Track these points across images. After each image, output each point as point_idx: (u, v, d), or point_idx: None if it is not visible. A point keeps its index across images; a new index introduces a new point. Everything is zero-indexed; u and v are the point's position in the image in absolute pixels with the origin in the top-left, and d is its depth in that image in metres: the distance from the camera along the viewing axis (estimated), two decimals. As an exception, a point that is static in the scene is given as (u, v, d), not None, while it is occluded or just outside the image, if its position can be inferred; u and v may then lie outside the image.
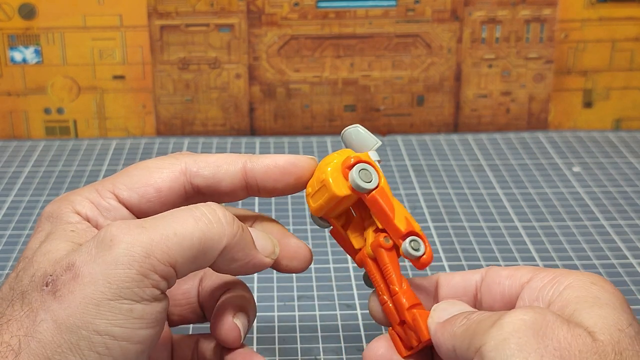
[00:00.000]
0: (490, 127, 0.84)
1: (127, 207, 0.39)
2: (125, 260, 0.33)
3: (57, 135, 0.82)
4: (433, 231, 0.64)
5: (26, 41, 0.79)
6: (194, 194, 0.41)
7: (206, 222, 0.35)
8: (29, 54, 0.80)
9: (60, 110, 0.82)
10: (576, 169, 0.75)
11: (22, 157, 0.78)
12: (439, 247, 0.61)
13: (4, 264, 0.59)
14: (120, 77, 0.81)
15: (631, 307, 0.53)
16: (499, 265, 0.41)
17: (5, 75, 0.80)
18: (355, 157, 0.39)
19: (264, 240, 0.39)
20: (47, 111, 0.82)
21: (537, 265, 0.59)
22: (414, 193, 0.70)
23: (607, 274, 0.58)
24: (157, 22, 0.79)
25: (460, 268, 0.58)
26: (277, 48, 0.81)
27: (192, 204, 0.39)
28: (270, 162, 0.40)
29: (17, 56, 0.80)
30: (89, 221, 0.38)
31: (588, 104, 0.84)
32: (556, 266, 0.59)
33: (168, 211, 0.36)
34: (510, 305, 0.38)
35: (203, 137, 0.82)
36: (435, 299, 0.40)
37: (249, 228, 0.38)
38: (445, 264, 0.59)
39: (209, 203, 0.37)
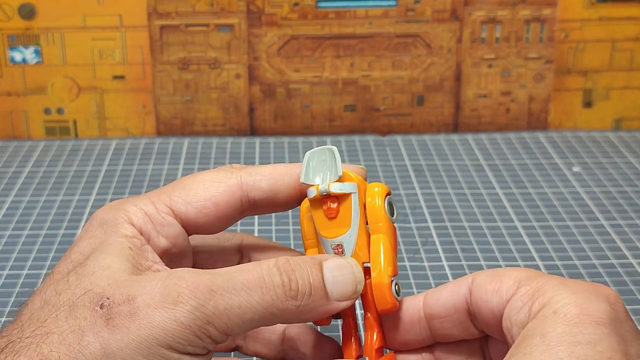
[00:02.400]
0: (490, 127, 0.84)
1: (182, 220, 0.39)
2: (186, 321, 0.33)
3: (57, 135, 0.82)
4: (433, 231, 0.64)
5: (26, 41, 0.79)
6: (249, 207, 0.40)
7: (272, 297, 0.35)
8: (29, 54, 0.80)
9: (60, 111, 0.82)
10: (576, 169, 0.75)
11: (22, 157, 0.78)
12: (439, 247, 0.61)
13: (3, 264, 0.59)
14: (120, 77, 0.81)
15: (631, 307, 0.53)
16: (482, 271, 0.38)
17: (5, 75, 0.80)
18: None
19: (343, 285, 0.37)
20: (47, 111, 0.82)
21: (537, 265, 0.59)
22: (413, 193, 0.70)
23: (607, 274, 0.58)
24: (157, 22, 0.79)
25: (460, 268, 0.58)
26: (277, 48, 0.81)
27: (246, 215, 0.40)
28: None
29: (17, 56, 0.80)
30: (142, 234, 0.38)
31: (588, 104, 0.84)
32: (556, 266, 0.59)
33: (239, 270, 0.36)
34: (500, 326, 0.36)
35: (203, 137, 0.82)
36: (425, 320, 0.39)
37: (325, 268, 0.37)
38: (445, 264, 0.59)
39: (283, 259, 0.36)
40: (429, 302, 0.38)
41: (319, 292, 0.36)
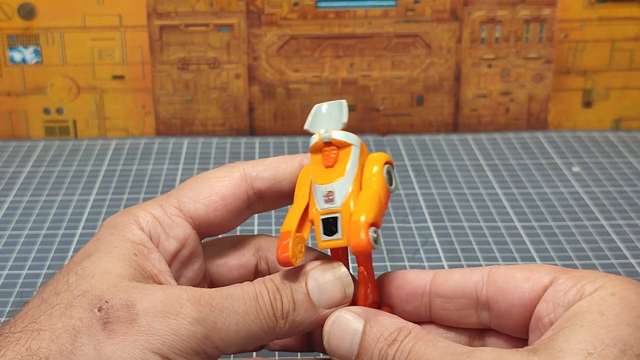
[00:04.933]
0: (490, 127, 0.84)
1: (193, 219, 0.39)
2: (185, 333, 0.34)
3: (56, 135, 0.82)
4: (433, 231, 0.64)
5: (26, 41, 0.79)
6: (256, 199, 0.41)
7: (265, 316, 0.35)
8: (29, 54, 0.80)
9: (59, 110, 0.82)
10: (576, 169, 0.75)
11: (21, 157, 0.78)
12: (438, 247, 0.61)
13: (3, 264, 0.59)
14: (120, 77, 0.81)
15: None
16: (500, 265, 0.39)
17: (4, 75, 0.80)
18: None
19: (331, 293, 0.37)
20: (46, 111, 0.82)
21: (535, 262, 0.59)
22: (413, 193, 0.70)
23: (606, 274, 0.58)
24: (156, 22, 0.79)
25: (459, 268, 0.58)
26: (276, 48, 0.81)
27: (254, 210, 0.40)
28: None
29: (17, 56, 0.80)
30: (151, 238, 0.38)
31: (588, 104, 0.84)
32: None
33: (236, 289, 0.36)
34: (530, 310, 0.36)
35: (203, 137, 0.82)
36: (428, 295, 0.39)
37: (310, 278, 0.37)
38: (445, 264, 0.59)
39: (268, 279, 0.36)
40: (438, 280, 0.39)
41: (304, 305, 0.36)
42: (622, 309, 0.32)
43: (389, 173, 0.39)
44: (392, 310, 0.40)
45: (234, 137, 0.82)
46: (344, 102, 0.39)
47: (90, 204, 0.68)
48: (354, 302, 0.38)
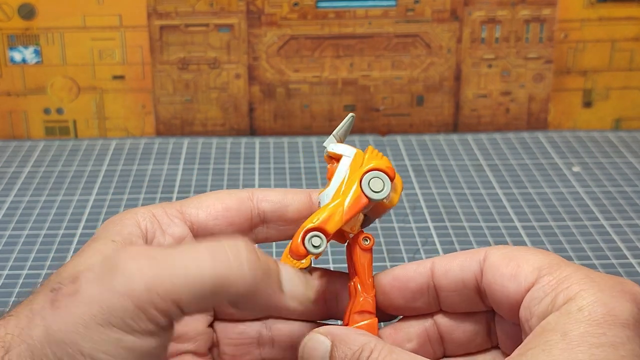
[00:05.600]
0: (490, 127, 0.84)
1: (192, 224, 0.39)
2: (123, 290, 0.31)
3: (56, 135, 0.82)
4: (433, 231, 0.64)
5: (26, 41, 0.79)
6: (259, 221, 0.41)
7: (224, 262, 0.32)
8: (29, 54, 0.80)
9: (59, 111, 0.82)
10: (576, 169, 0.75)
11: (21, 157, 0.78)
12: (439, 247, 0.61)
13: (3, 264, 0.59)
14: (120, 77, 0.81)
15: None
16: (496, 248, 0.37)
17: (4, 75, 0.80)
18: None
19: (296, 285, 0.36)
20: (46, 111, 0.82)
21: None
22: (413, 193, 0.70)
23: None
24: (156, 22, 0.79)
25: (460, 268, 0.58)
26: (276, 48, 0.81)
27: (256, 237, 0.40)
28: None
29: (17, 56, 0.80)
30: (146, 233, 0.38)
31: (588, 104, 0.84)
32: (556, 266, 0.59)
33: (189, 244, 0.35)
34: (517, 311, 0.35)
35: (203, 137, 0.82)
36: (433, 289, 0.39)
37: (281, 267, 0.36)
38: (445, 264, 0.59)
39: (237, 239, 0.34)
40: (438, 273, 0.38)
41: (273, 275, 0.35)
42: (587, 327, 0.31)
43: (371, 181, 0.39)
44: (401, 310, 0.40)
45: (234, 137, 0.82)
46: (350, 116, 0.40)
47: (90, 204, 0.68)
48: (343, 315, 0.39)
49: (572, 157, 0.77)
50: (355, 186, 0.38)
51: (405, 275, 0.39)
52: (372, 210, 0.40)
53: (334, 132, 0.40)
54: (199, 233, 0.39)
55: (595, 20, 0.81)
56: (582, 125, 0.84)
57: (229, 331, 0.42)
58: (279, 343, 0.42)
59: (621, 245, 0.62)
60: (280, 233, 0.41)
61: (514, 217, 0.66)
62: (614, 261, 0.59)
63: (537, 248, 0.37)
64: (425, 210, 0.67)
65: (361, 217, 0.40)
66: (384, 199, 0.39)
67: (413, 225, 0.65)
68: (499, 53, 0.82)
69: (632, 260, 0.59)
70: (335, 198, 0.38)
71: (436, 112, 0.83)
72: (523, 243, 0.62)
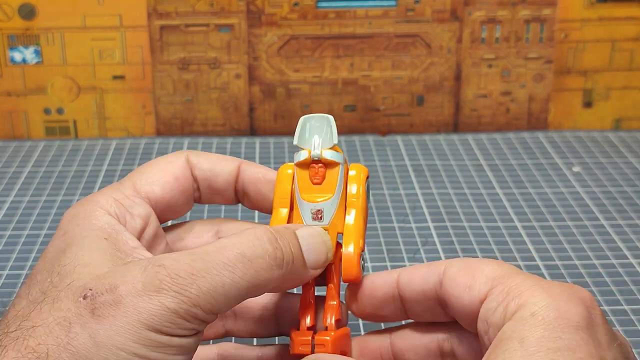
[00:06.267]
0: (490, 127, 0.84)
1: (150, 201, 0.40)
2: (172, 306, 0.33)
3: (57, 135, 0.82)
4: (433, 231, 0.64)
5: (26, 41, 0.79)
6: (197, 187, 0.42)
7: (255, 269, 0.35)
8: (29, 54, 0.80)
9: (60, 111, 0.82)
10: (576, 169, 0.75)
11: (22, 157, 0.78)
12: (439, 247, 0.61)
13: (3, 264, 0.59)
14: (120, 77, 0.81)
15: (631, 306, 0.53)
16: (454, 260, 0.38)
17: (5, 75, 0.80)
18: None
19: (317, 254, 0.38)
20: (47, 111, 0.82)
21: (537, 265, 0.59)
22: (413, 193, 0.70)
23: (607, 274, 0.58)
24: (156, 22, 0.79)
25: (460, 268, 0.58)
26: (277, 48, 0.81)
27: (196, 198, 0.41)
28: (261, 171, 0.42)
29: (17, 56, 0.80)
30: (118, 219, 0.38)
31: (588, 104, 0.84)
32: (556, 266, 0.59)
33: (217, 245, 0.36)
34: (475, 323, 0.35)
35: (203, 137, 0.82)
36: (399, 299, 0.39)
37: (301, 237, 0.37)
38: (445, 264, 0.59)
39: (260, 236, 0.36)
40: (402, 283, 0.39)
41: (299, 260, 0.37)
42: (543, 331, 0.31)
43: (368, 186, 0.40)
44: (370, 316, 0.40)
45: (234, 137, 0.82)
46: (331, 119, 0.40)
47: (90, 204, 0.68)
48: (315, 316, 0.40)
49: (572, 157, 0.77)
50: (363, 197, 0.40)
51: (373, 282, 0.40)
52: None
53: (332, 140, 0.40)
54: (159, 207, 0.41)
55: (596, 20, 0.81)
56: (583, 125, 0.84)
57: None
58: (242, 315, 0.43)
59: (621, 245, 0.62)
60: (210, 198, 0.42)
61: (514, 217, 0.66)
62: (614, 261, 0.59)
63: (493, 259, 0.37)
64: (425, 210, 0.67)
65: None
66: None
67: (413, 225, 0.65)
68: (499, 53, 0.82)
69: (632, 260, 0.59)
70: (351, 209, 0.39)
71: (436, 112, 0.83)
72: (523, 243, 0.62)
